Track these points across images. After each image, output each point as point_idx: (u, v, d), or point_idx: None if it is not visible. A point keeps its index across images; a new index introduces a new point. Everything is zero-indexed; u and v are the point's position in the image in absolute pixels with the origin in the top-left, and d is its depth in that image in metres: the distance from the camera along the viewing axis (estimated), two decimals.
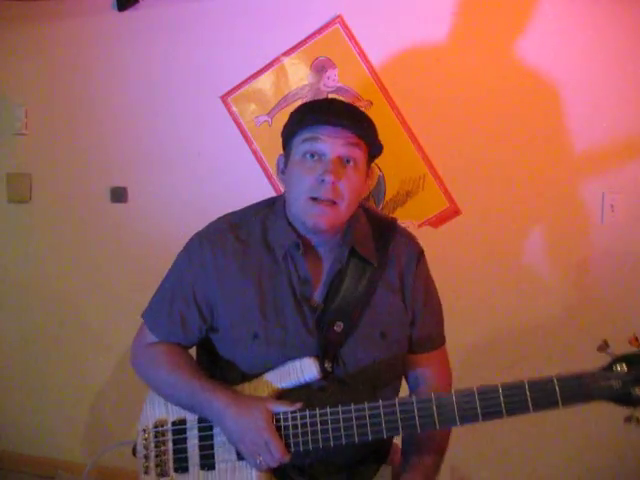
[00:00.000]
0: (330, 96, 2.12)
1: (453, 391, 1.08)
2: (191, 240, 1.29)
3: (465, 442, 2.13)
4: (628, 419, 0.97)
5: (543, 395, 0.99)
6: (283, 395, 1.17)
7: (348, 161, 1.14)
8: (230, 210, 1.41)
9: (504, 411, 1.02)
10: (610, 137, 1.98)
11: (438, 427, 1.08)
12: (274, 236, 1.22)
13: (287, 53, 2.14)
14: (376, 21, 2.08)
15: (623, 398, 0.95)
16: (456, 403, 1.05)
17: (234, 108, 2.21)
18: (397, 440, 1.45)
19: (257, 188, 2.18)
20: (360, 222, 1.24)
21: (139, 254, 2.33)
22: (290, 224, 1.21)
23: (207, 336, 1.28)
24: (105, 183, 2.35)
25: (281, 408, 1.12)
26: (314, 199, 1.12)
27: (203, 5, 2.21)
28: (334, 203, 1.12)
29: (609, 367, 0.97)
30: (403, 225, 2.11)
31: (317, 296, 1.20)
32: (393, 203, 2.12)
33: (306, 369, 1.15)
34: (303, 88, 2.15)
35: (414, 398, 1.10)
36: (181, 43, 2.24)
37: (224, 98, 2.20)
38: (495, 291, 2.09)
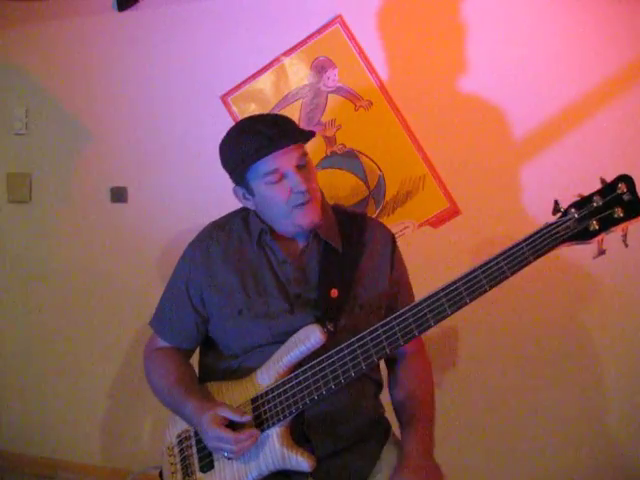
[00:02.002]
0: (330, 96, 2.12)
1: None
2: (185, 250, 1.45)
3: (460, 447, 2.14)
4: (596, 255, 1.13)
5: (516, 257, 1.15)
6: (294, 368, 1.26)
7: (302, 165, 1.29)
8: (229, 210, 1.49)
9: (487, 286, 1.16)
10: (610, 137, 1.98)
11: (433, 324, 1.19)
12: (251, 228, 1.38)
13: (287, 53, 2.14)
14: (376, 21, 2.08)
15: (582, 234, 1.12)
16: (444, 295, 1.18)
17: (234, 108, 2.21)
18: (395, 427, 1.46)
19: None
20: (327, 214, 1.39)
21: (139, 254, 2.33)
22: (258, 216, 1.37)
23: (206, 334, 1.41)
24: (105, 183, 2.35)
25: (227, 412, 1.20)
26: (295, 206, 1.28)
27: (203, 5, 2.21)
28: (311, 200, 1.29)
29: (563, 215, 1.15)
30: (403, 225, 2.14)
31: (298, 272, 1.34)
32: (393, 203, 2.12)
33: (311, 334, 1.23)
34: (303, 88, 2.15)
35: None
36: (181, 43, 2.24)
37: (224, 98, 2.20)
38: (494, 291, 2.08)
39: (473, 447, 2.14)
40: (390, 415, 1.47)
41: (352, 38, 2.10)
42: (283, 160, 1.26)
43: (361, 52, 2.09)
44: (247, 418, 1.21)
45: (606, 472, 2.05)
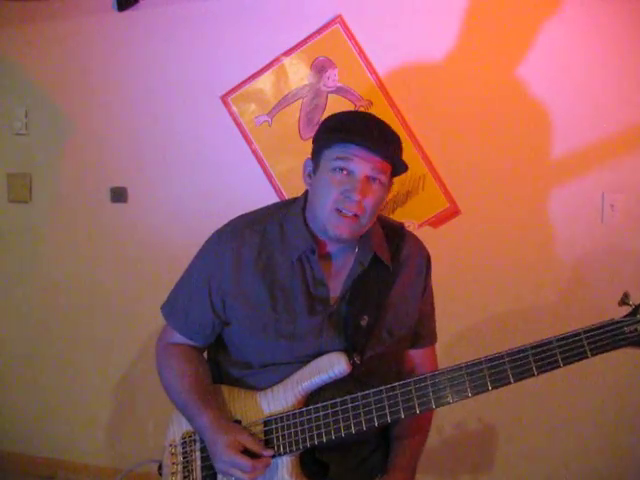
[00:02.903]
0: (330, 96, 2.12)
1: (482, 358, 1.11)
2: (210, 238, 1.34)
3: (465, 446, 2.14)
4: None
5: (572, 349, 1.03)
6: (312, 393, 1.22)
7: (374, 179, 1.20)
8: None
9: (535, 372, 1.05)
10: (610, 137, 1.98)
11: (470, 395, 1.10)
12: (290, 238, 1.27)
13: (287, 53, 2.14)
14: (376, 21, 2.08)
15: None
16: (487, 367, 1.09)
17: (234, 108, 2.21)
18: None
19: (257, 188, 2.18)
20: (375, 228, 1.30)
21: (139, 254, 2.33)
22: (307, 228, 1.26)
23: (221, 333, 1.34)
24: (105, 183, 2.35)
25: (249, 443, 1.17)
26: (339, 210, 1.18)
27: (203, 5, 2.21)
28: (356, 216, 1.19)
29: (632, 314, 1.01)
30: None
31: (333, 295, 1.26)
32: (393, 203, 2.12)
33: (335, 363, 1.18)
34: (303, 88, 2.15)
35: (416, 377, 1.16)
36: (181, 43, 2.24)
37: (224, 98, 2.20)
38: (495, 291, 2.09)
39: (475, 448, 2.14)
40: None
41: (352, 38, 2.09)
42: (362, 161, 1.17)
43: (361, 52, 2.09)
44: (269, 453, 1.17)
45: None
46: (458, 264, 2.08)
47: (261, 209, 1.36)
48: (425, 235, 2.08)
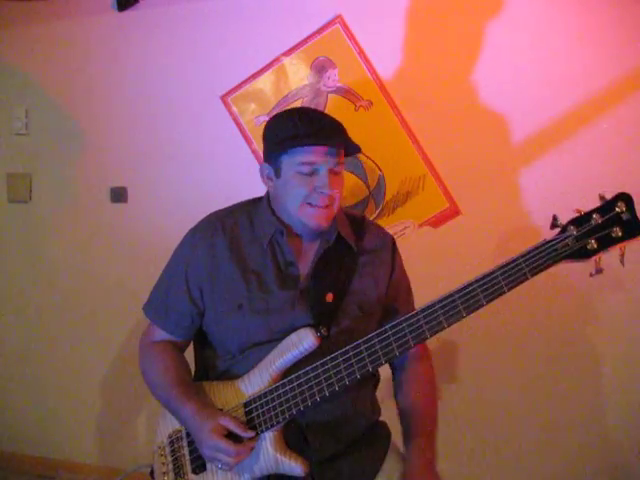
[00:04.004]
0: (330, 96, 2.12)
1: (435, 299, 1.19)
2: (185, 235, 1.43)
3: (463, 456, 2.14)
4: (593, 273, 1.13)
5: (513, 273, 1.14)
6: (287, 371, 1.25)
7: (338, 172, 1.30)
8: None
9: (483, 301, 1.15)
10: (610, 137, 1.98)
11: (429, 336, 1.17)
12: (259, 227, 1.36)
13: (287, 53, 2.14)
14: (376, 21, 2.08)
15: (580, 253, 1.11)
16: (440, 307, 1.17)
17: (234, 108, 2.21)
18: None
19: (257, 188, 2.15)
20: (340, 214, 1.40)
21: (139, 254, 2.33)
22: (274, 215, 1.35)
23: (200, 327, 1.40)
24: (105, 183, 2.35)
25: (230, 425, 1.20)
26: (310, 204, 1.28)
27: (203, 5, 2.21)
28: (328, 207, 1.29)
29: (561, 232, 1.13)
30: (403, 225, 2.14)
31: (303, 274, 1.34)
32: (393, 203, 2.12)
33: (304, 338, 1.23)
34: (303, 88, 2.15)
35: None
36: (181, 43, 2.24)
37: (224, 98, 2.21)
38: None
39: (475, 455, 2.14)
40: (388, 419, 1.47)
41: (352, 38, 2.10)
42: (322, 157, 1.26)
43: (361, 52, 2.10)
44: (250, 434, 1.21)
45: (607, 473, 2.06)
46: (458, 264, 2.08)
47: (231, 205, 1.45)
48: (425, 235, 2.11)
